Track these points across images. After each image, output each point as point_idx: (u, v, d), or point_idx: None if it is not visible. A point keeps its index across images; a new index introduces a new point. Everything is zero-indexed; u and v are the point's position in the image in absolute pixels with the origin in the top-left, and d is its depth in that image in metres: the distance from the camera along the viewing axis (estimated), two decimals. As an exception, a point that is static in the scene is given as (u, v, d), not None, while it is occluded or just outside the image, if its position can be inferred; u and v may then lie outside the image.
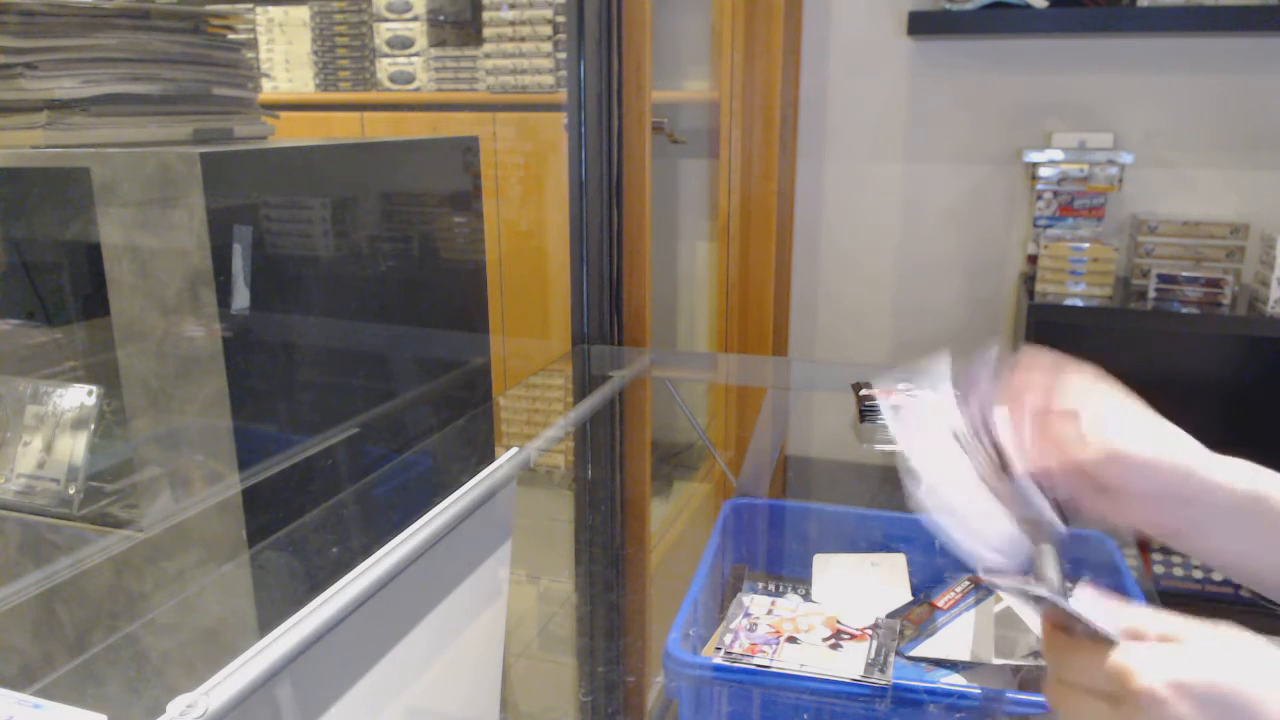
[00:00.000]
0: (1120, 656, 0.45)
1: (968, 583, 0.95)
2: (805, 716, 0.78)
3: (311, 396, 1.02)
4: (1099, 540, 0.97)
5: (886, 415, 0.58)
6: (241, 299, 0.90)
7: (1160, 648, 0.45)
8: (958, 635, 0.88)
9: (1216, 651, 0.44)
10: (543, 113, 2.32)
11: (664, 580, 1.26)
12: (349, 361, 1.09)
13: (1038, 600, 0.50)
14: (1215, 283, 2.10)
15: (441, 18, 2.49)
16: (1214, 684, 0.43)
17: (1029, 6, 2.19)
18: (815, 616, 0.87)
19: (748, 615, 0.86)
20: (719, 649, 0.81)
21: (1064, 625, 0.49)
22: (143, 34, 1.02)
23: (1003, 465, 0.57)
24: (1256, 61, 2.22)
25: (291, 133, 1.29)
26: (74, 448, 0.98)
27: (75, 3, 0.96)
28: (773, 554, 1.11)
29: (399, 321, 1.18)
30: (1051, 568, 0.53)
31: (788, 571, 1.08)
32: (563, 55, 2.29)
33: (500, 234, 2.35)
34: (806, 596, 0.99)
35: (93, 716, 0.48)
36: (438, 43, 2.49)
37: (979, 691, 0.77)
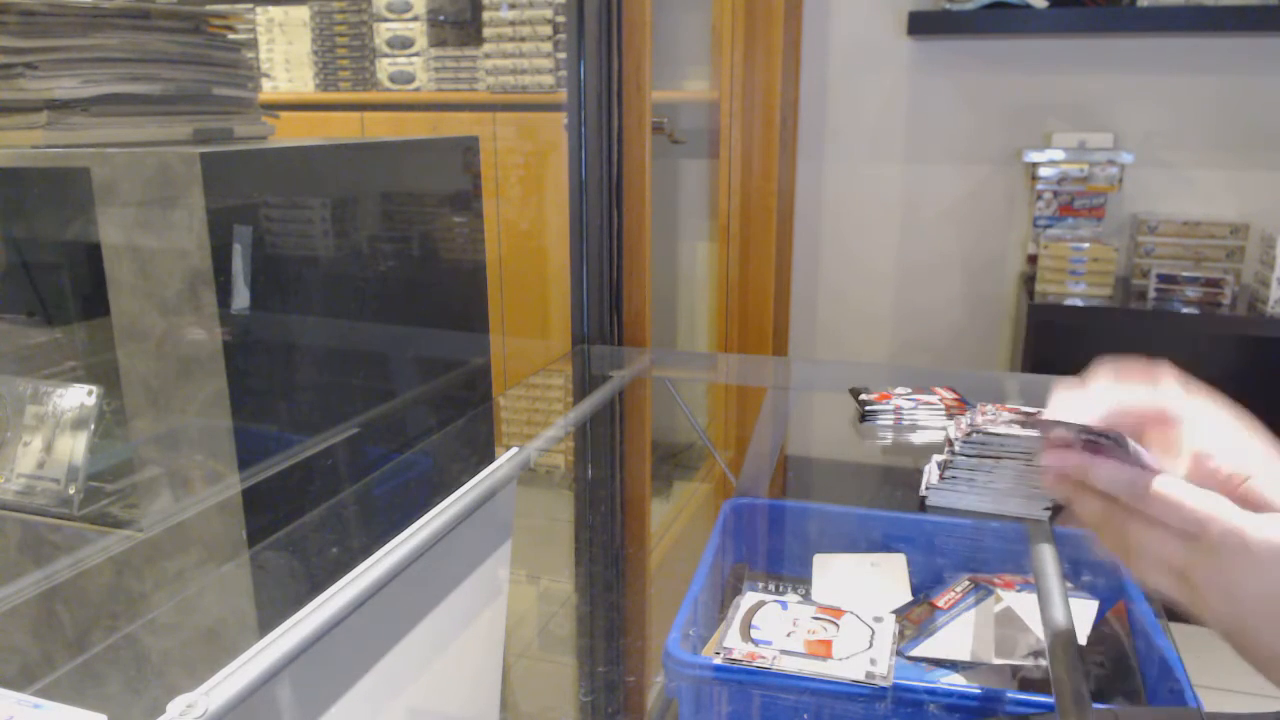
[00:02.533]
0: (1206, 498, 0.48)
1: (968, 583, 0.95)
2: (805, 717, 0.78)
3: (311, 396, 1.02)
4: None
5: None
6: (241, 299, 0.90)
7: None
8: (958, 635, 0.88)
9: None
10: (543, 113, 2.32)
11: (664, 580, 1.26)
12: (349, 361, 1.09)
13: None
14: (1215, 283, 2.11)
15: (441, 18, 2.48)
16: None
17: (1029, 6, 2.19)
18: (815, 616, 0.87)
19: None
20: (718, 652, 0.81)
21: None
22: (143, 34, 1.02)
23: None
24: (1256, 61, 2.22)
25: (291, 133, 1.29)
26: (74, 448, 0.98)
27: (75, 3, 0.96)
28: (773, 554, 1.11)
29: (399, 321, 1.18)
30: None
31: (788, 571, 1.09)
32: (563, 55, 2.29)
33: (500, 234, 2.35)
34: (806, 596, 0.99)
35: (93, 716, 0.48)
36: (438, 43, 2.49)
37: (979, 691, 0.77)
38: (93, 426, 0.99)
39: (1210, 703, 0.72)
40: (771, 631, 0.83)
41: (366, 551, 0.67)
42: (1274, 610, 0.47)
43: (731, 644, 0.81)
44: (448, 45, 2.49)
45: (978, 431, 1.08)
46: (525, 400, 1.65)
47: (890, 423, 1.28)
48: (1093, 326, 2.34)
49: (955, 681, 0.83)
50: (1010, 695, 0.76)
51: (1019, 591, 0.90)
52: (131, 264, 0.89)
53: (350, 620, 0.61)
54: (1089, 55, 2.33)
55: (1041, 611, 0.71)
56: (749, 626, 0.84)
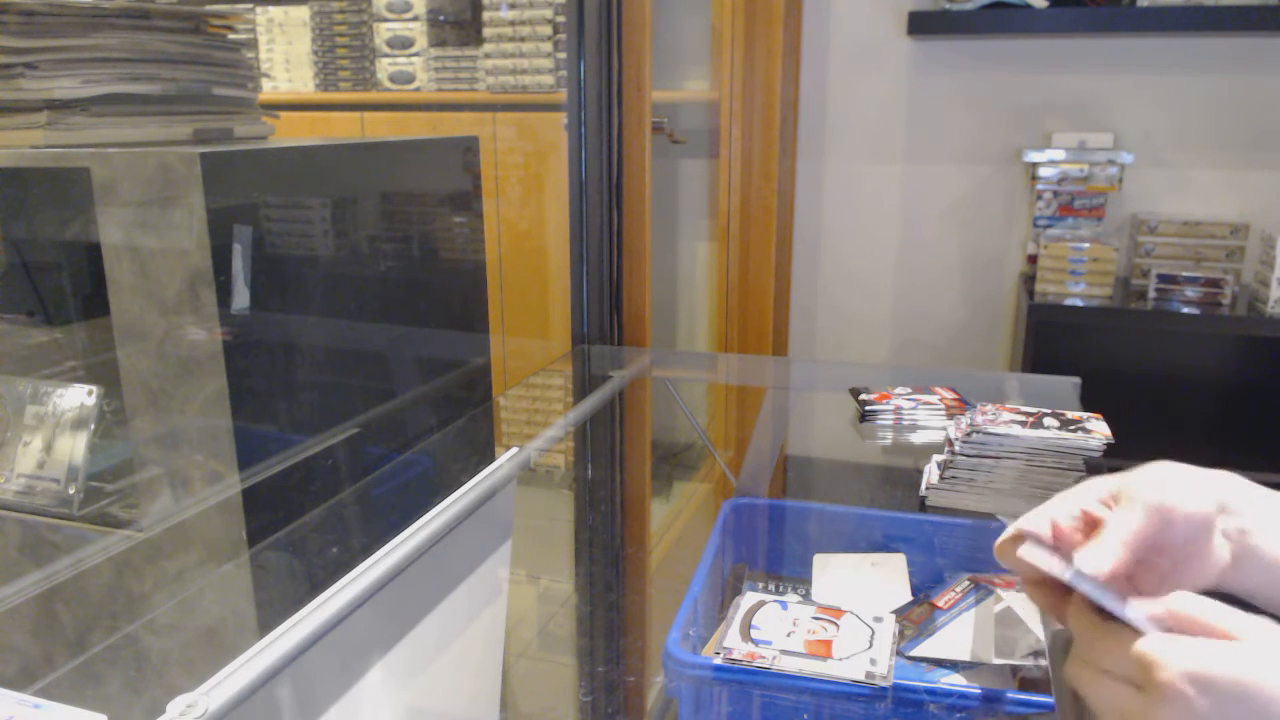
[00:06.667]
0: (1146, 645, 0.44)
1: (968, 583, 0.95)
2: (805, 717, 0.78)
3: (311, 396, 1.02)
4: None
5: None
6: (241, 299, 0.90)
7: (1192, 640, 0.44)
8: (958, 635, 0.88)
9: (1260, 650, 0.43)
10: (543, 113, 2.32)
11: (664, 580, 1.26)
12: (349, 361, 1.09)
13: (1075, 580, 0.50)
14: (1215, 283, 2.11)
15: (441, 18, 2.49)
16: (1239, 681, 0.42)
17: (1029, 6, 2.19)
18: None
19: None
20: (719, 651, 0.81)
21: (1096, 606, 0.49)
22: (143, 34, 1.02)
23: None
24: (1256, 61, 2.23)
25: (291, 133, 1.29)
26: (74, 448, 0.98)
27: (75, 3, 0.96)
28: (773, 554, 1.11)
29: (399, 321, 1.18)
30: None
31: (788, 571, 1.08)
32: (563, 55, 2.29)
33: (500, 234, 2.35)
34: (806, 596, 0.99)
35: (93, 716, 0.48)
36: (438, 43, 2.49)
37: (979, 691, 0.77)
38: (93, 426, 0.99)
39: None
40: (771, 631, 0.83)
41: (366, 551, 0.67)
42: None
43: (731, 644, 0.81)
44: (448, 45, 2.49)
45: (978, 431, 1.08)
46: (525, 400, 1.65)
47: (890, 423, 1.28)
48: (1093, 326, 2.34)
49: (955, 681, 0.83)
50: (1010, 695, 0.76)
51: (1019, 591, 0.90)
52: (131, 264, 0.89)
53: (350, 620, 0.61)
54: (1089, 55, 2.33)
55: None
56: (749, 626, 0.84)
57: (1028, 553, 0.52)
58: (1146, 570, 0.53)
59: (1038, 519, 0.54)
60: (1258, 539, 0.52)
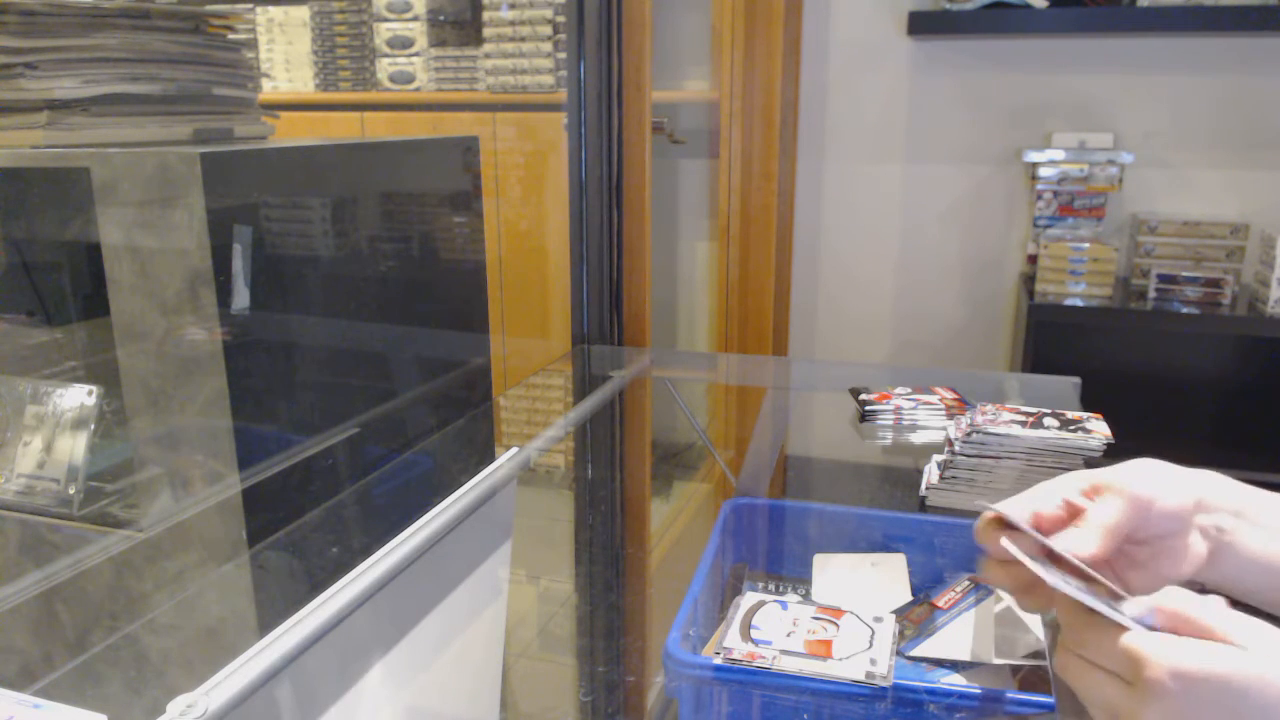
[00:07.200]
0: (1134, 641, 0.45)
1: (968, 583, 0.95)
2: (805, 717, 0.78)
3: (311, 396, 1.02)
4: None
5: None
6: (241, 299, 0.90)
7: (1180, 637, 0.45)
8: (958, 635, 0.88)
9: (1247, 650, 0.43)
10: (543, 113, 2.32)
11: (664, 580, 1.26)
12: (349, 361, 1.09)
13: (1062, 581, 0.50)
14: (1215, 283, 2.11)
15: (441, 18, 2.49)
16: (1224, 680, 0.42)
17: (1029, 6, 2.19)
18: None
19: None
20: (719, 651, 0.81)
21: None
22: (143, 34, 1.02)
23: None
24: (1256, 61, 2.22)
25: (291, 133, 1.29)
26: (74, 448, 0.98)
27: (75, 3, 0.96)
28: (773, 554, 1.11)
29: (399, 321, 1.18)
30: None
31: (788, 571, 1.08)
32: (563, 55, 2.29)
33: (500, 234, 2.35)
34: (806, 596, 0.99)
35: (93, 716, 0.48)
36: (438, 43, 2.49)
37: (979, 691, 0.77)
38: (93, 426, 0.99)
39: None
40: (771, 631, 0.83)
41: (366, 552, 0.67)
42: None
43: (731, 644, 0.81)
44: (448, 45, 2.49)
45: (978, 431, 1.08)
46: (525, 400, 1.65)
47: (890, 423, 1.28)
48: (1093, 326, 2.34)
49: (955, 681, 0.83)
50: (1010, 695, 0.76)
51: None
52: (131, 264, 0.89)
53: (350, 620, 0.61)
54: (1089, 55, 2.33)
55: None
56: (749, 626, 0.84)
57: (1012, 547, 0.52)
58: (1124, 559, 0.54)
59: (1020, 505, 0.55)
60: (1234, 536, 0.54)
